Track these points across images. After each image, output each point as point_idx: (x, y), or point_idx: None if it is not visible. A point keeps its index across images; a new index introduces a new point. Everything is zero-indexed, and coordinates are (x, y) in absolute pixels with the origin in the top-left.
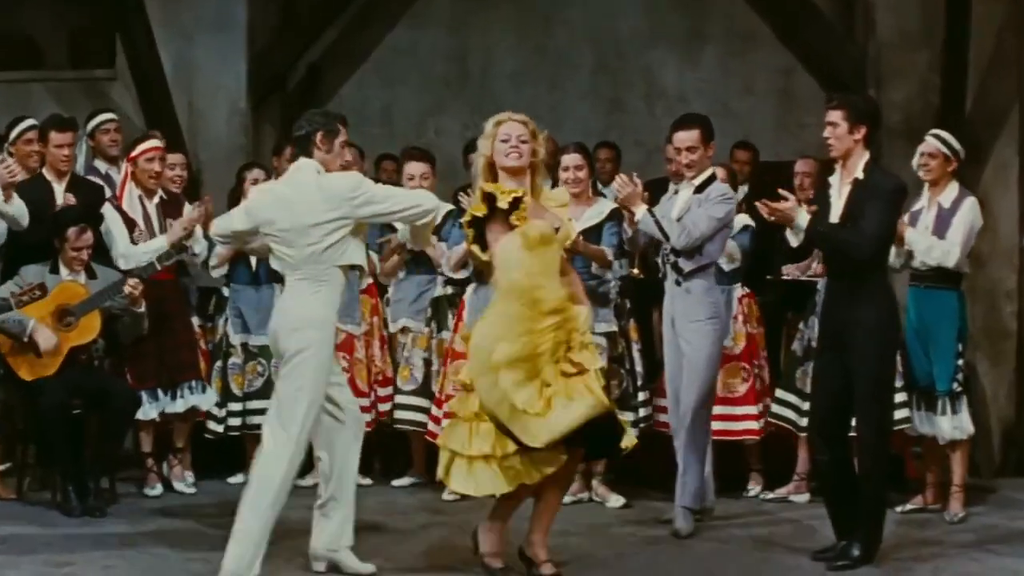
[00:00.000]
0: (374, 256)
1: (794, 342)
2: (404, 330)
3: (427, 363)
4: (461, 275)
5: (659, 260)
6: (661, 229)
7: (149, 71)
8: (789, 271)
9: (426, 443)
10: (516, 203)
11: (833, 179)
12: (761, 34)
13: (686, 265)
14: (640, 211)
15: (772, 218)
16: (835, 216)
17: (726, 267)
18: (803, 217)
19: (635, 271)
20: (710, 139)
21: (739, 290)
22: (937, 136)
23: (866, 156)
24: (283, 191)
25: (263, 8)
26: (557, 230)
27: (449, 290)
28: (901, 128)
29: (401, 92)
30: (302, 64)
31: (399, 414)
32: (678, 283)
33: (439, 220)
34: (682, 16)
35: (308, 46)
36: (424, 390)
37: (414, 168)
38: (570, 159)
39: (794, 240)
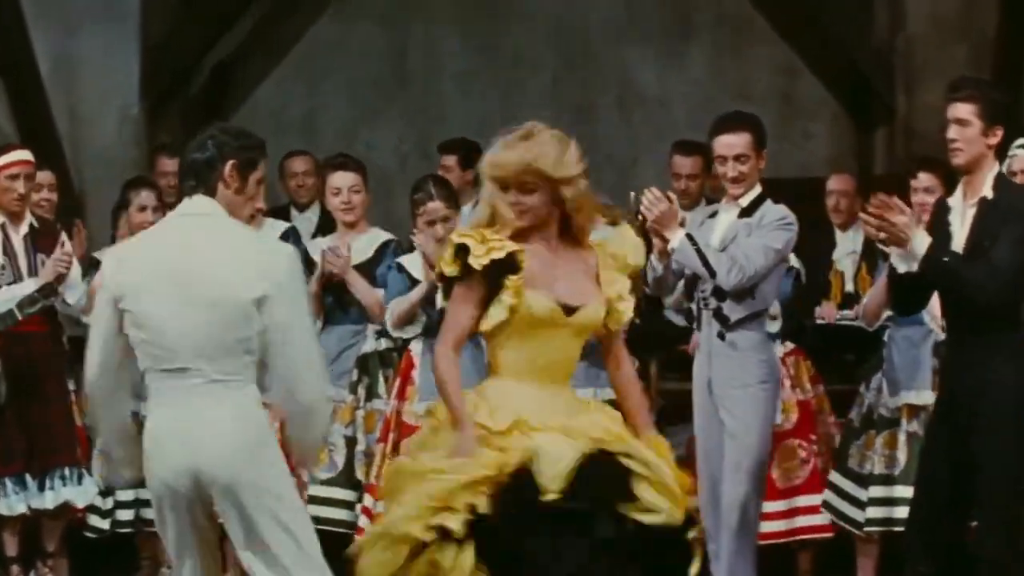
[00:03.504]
0: None
1: (852, 409)
2: None
3: (350, 442)
4: (408, 333)
5: (693, 306)
6: (705, 262)
7: (21, 69)
8: (825, 313)
9: None
10: (507, 266)
11: (953, 199)
12: (758, 26)
13: (733, 312)
14: (677, 237)
15: (882, 236)
16: (958, 246)
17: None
18: (921, 239)
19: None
20: (763, 145)
21: (780, 347)
22: None
23: (996, 168)
24: (180, 239)
25: None
26: (571, 310)
27: (382, 344)
28: (937, 139)
29: (326, 96)
30: (208, 62)
31: (313, 509)
32: (721, 336)
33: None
34: (663, 4)
35: (215, 40)
36: (346, 478)
37: (340, 179)
38: None
39: (902, 265)
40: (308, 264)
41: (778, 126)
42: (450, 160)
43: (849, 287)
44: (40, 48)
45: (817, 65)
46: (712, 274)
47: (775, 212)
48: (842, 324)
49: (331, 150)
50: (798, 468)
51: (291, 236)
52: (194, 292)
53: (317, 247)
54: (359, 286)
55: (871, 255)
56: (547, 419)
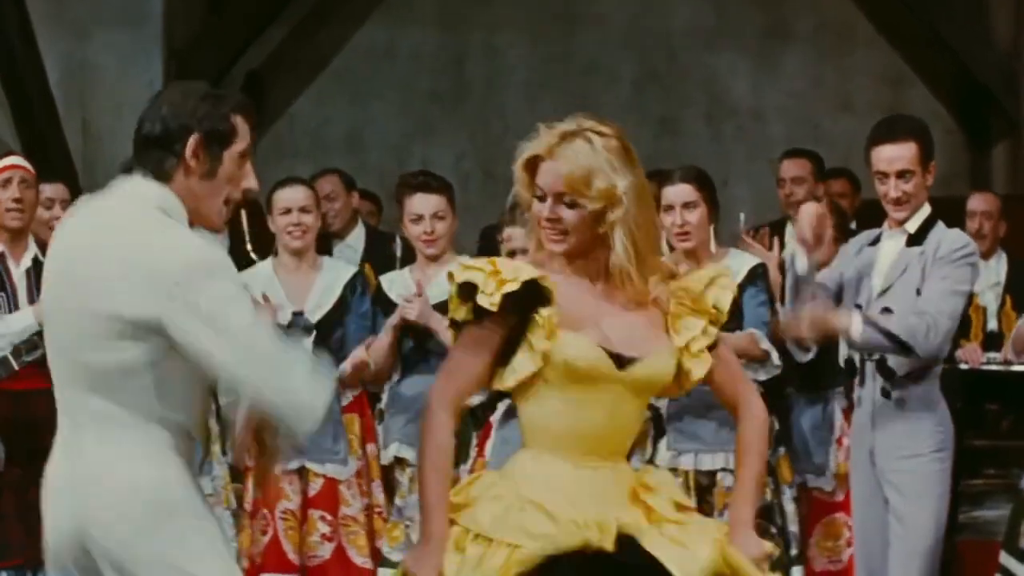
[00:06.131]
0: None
1: (1022, 477)
2: (400, 462)
3: None
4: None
5: (853, 355)
6: (896, 340)
7: (27, 80)
8: (968, 356)
9: None
10: (528, 299)
11: None
12: (862, 31)
13: (900, 365)
14: (855, 326)
15: None
16: None
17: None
18: None
19: None
20: (930, 157)
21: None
22: None
23: None
24: (76, 232)
25: None
26: (624, 361)
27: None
28: None
29: (375, 110)
30: (239, 70)
31: None
32: (886, 394)
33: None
34: (757, 7)
35: (247, 46)
36: None
37: (421, 204)
38: (674, 193)
39: None
40: (385, 305)
41: None
42: None
43: (992, 324)
44: (48, 54)
45: (928, 74)
46: (909, 350)
47: (952, 240)
48: (988, 369)
49: (380, 170)
50: (843, 550)
51: (359, 283)
52: (78, 298)
53: (397, 284)
54: (444, 330)
55: (1018, 285)
56: (572, 511)
